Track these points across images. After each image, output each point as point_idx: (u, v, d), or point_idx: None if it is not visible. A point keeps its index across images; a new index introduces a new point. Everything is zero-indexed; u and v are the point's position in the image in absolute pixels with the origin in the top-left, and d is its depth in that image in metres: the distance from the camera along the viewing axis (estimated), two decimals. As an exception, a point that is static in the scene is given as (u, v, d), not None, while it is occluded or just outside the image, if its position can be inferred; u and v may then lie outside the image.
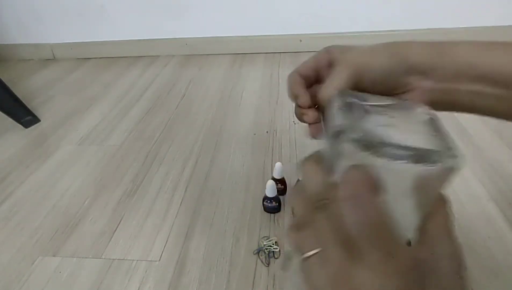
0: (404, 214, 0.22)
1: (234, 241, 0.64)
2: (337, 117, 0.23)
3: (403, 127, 0.23)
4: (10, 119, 1.05)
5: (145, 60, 1.53)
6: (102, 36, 1.57)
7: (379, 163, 0.19)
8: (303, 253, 0.19)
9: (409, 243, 0.22)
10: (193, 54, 1.54)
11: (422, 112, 0.24)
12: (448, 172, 0.20)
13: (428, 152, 0.20)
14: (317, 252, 0.19)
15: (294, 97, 0.30)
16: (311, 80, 0.31)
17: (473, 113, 0.28)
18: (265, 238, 0.63)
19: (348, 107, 0.24)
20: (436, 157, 0.19)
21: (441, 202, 0.21)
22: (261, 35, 1.48)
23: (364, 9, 1.39)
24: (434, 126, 0.23)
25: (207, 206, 0.72)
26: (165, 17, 1.49)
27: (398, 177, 0.20)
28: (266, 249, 0.61)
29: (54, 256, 0.64)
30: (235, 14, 1.45)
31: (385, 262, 0.17)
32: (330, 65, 0.29)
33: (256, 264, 0.59)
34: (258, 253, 0.61)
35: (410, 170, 0.19)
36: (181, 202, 0.74)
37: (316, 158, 0.23)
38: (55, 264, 0.62)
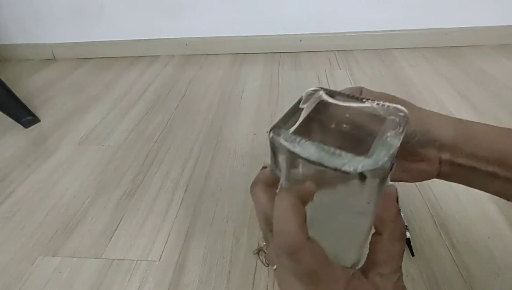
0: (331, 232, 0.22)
1: (234, 241, 0.64)
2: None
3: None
4: (10, 119, 1.05)
5: (145, 60, 1.53)
6: (102, 36, 1.57)
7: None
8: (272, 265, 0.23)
9: (354, 265, 0.23)
10: (193, 54, 1.54)
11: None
12: (356, 183, 0.19)
13: (332, 156, 0.19)
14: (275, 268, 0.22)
15: None
16: None
17: (485, 191, 0.29)
18: (265, 238, 0.63)
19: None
20: (339, 162, 0.18)
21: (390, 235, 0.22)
22: (261, 35, 1.48)
23: (364, 9, 1.39)
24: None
25: (207, 206, 0.72)
26: (165, 17, 1.49)
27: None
28: (266, 249, 0.60)
29: (54, 256, 0.64)
30: (235, 14, 1.45)
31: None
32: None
33: (256, 264, 0.59)
34: (258, 253, 0.61)
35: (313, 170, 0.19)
36: (181, 202, 0.74)
37: (264, 179, 0.24)
38: (55, 264, 0.62)
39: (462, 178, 0.28)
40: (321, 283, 0.19)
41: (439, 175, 0.29)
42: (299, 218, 0.19)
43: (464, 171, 0.27)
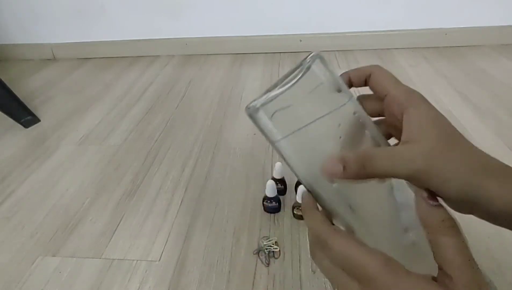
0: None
1: (234, 241, 0.64)
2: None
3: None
4: (10, 119, 1.05)
5: (145, 60, 1.53)
6: (102, 36, 1.57)
7: None
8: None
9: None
10: (193, 54, 1.54)
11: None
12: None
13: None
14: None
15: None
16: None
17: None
18: (265, 238, 0.63)
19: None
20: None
21: (450, 229, 0.21)
22: (261, 35, 1.48)
23: (364, 9, 1.39)
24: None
25: (207, 206, 0.72)
26: (165, 17, 1.49)
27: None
28: (266, 249, 0.61)
29: (54, 256, 0.64)
30: (235, 14, 1.45)
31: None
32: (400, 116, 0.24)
33: (256, 264, 0.59)
34: (258, 253, 0.61)
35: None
36: (181, 202, 0.74)
37: (309, 201, 0.26)
38: (55, 264, 0.62)
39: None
40: (355, 268, 0.21)
41: None
42: (318, 215, 0.24)
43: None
